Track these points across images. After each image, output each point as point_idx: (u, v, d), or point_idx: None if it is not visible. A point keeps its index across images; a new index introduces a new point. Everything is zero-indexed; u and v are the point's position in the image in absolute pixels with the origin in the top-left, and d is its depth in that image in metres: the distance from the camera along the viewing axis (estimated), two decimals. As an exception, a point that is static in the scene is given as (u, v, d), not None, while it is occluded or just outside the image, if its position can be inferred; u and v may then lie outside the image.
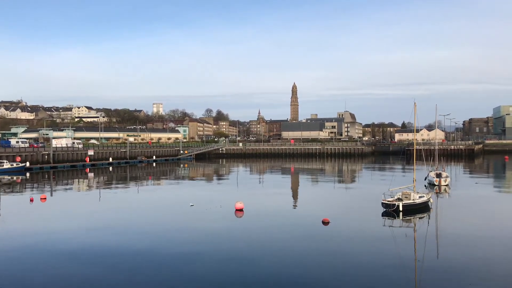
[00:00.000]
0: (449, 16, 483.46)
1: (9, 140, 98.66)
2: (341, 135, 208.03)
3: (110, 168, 79.25)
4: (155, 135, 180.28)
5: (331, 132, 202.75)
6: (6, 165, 67.19)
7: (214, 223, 27.04)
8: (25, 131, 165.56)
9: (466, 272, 17.06)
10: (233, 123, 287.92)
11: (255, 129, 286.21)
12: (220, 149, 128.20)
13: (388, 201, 30.04)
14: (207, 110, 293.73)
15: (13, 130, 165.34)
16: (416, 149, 42.72)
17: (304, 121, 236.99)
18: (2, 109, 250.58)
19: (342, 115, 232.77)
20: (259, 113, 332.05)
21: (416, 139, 47.28)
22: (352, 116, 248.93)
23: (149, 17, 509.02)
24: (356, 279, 16.21)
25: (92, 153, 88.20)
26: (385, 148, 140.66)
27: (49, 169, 73.36)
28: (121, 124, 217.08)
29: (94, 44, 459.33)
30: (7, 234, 24.79)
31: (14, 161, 71.37)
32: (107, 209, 34.18)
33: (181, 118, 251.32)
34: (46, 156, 79.11)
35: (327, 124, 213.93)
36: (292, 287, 15.38)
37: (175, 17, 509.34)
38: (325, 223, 26.14)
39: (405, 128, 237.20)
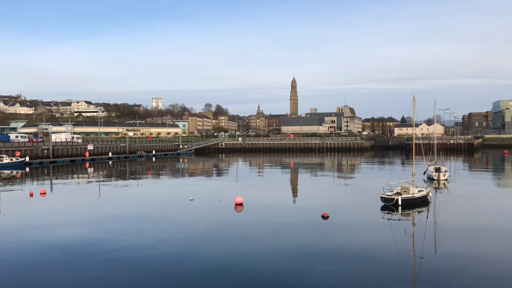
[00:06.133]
0: (449, 11, 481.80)
1: (9, 134, 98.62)
2: (341, 129, 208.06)
3: (110, 163, 79.28)
4: (154, 130, 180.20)
5: (331, 127, 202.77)
6: (6, 159, 67.19)
7: (214, 217, 27.11)
8: (24, 126, 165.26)
9: (464, 266, 17.13)
10: (233, 118, 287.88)
11: (254, 124, 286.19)
12: (220, 144, 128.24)
13: (387, 195, 30.13)
14: (206, 105, 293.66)
15: (12, 124, 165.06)
16: (416, 144, 42.76)
17: (303, 115, 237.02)
18: (1, 104, 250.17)
19: (342, 109, 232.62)
20: (258, 107, 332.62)
21: (415, 133, 47.31)
22: (352, 110, 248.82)
23: (146, 12, 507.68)
24: (355, 273, 16.28)
25: (92, 148, 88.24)
26: (385, 143, 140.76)
27: (49, 164, 73.37)
28: (121, 118, 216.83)
29: (92, 39, 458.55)
30: (6, 228, 24.84)
31: (13, 155, 71.37)
32: (107, 203, 34.24)
33: (181, 113, 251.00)
34: (45, 151, 79.10)
35: (326, 118, 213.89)
36: (292, 282, 15.44)
37: (172, 12, 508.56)
38: (325, 217, 26.22)
39: (404, 122, 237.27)
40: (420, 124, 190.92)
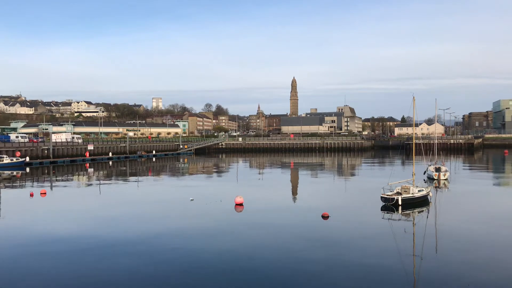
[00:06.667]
0: (449, 11, 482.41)
1: (9, 135, 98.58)
2: (341, 129, 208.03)
3: (110, 163, 79.29)
4: (154, 130, 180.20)
5: (331, 127, 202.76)
6: (6, 160, 67.17)
7: (214, 217, 27.10)
8: (24, 126, 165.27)
9: (464, 267, 17.12)
10: (233, 118, 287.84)
11: (254, 124, 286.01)
12: (220, 144, 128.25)
13: (387, 195, 30.10)
14: (206, 105, 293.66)
15: (13, 125, 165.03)
16: (416, 143, 42.75)
17: (303, 115, 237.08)
18: (1, 104, 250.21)
19: (342, 109, 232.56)
20: (258, 107, 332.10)
21: (415, 133, 47.30)
22: (352, 110, 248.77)
23: (146, 12, 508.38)
24: (355, 273, 16.27)
25: (92, 148, 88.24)
26: (385, 142, 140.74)
27: (49, 164, 73.37)
28: (121, 119, 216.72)
29: (92, 39, 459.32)
30: (7, 229, 24.85)
31: (13, 156, 71.36)
32: (107, 203, 34.25)
33: (181, 113, 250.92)
34: (45, 151, 79.10)
35: (326, 118, 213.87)
36: (292, 282, 15.44)
37: (172, 12, 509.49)
38: (325, 217, 26.22)
39: (404, 122, 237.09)
40: (420, 124, 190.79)
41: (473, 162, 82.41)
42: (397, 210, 28.56)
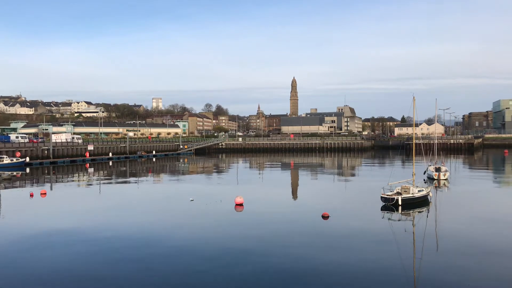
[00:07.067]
0: (449, 11, 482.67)
1: (9, 135, 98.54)
2: (341, 129, 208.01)
3: (110, 163, 79.29)
4: (154, 130, 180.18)
5: (331, 127, 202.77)
6: (6, 160, 67.17)
7: (214, 217, 27.10)
8: (24, 126, 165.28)
9: (464, 267, 17.13)
10: (233, 118, 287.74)
11: (254, 124, 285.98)
12: (220, 144, 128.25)
13: (387, 195, 30.11)
14: (206, 105, 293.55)
15: (13, 125, 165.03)
16: (416, 143, 42.74)
17: (303, 115, 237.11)
18: (1, 104, 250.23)
19: (342, 109, 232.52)
20: (258, 107, 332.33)
21: (415, 133, 47.31)
22: (352, 110, 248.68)
23: (146, 12, 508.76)
24: (355, 273, 16.28)
25: (92, 148, 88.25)
26: (385, 143, 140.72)
27: (49, 164, 73.37)
28: (121, 119, 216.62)
29: (92, 39, 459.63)
30: (7, 229, 24.84)
31: (14, 156, 71.35)
32: (107, 204, 34.24)
33: (181, 113, 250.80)
34: (45, 151, 79.10)
35: (326, 118, 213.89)
36: (292, 282, 15.44)
37: (172, 12, 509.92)
38: (325, 217, 26.22)
39: (404, 122, 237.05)
40: (420, 124, 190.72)
41: (473, 162, 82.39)
42: (397, 210, 28.57)
